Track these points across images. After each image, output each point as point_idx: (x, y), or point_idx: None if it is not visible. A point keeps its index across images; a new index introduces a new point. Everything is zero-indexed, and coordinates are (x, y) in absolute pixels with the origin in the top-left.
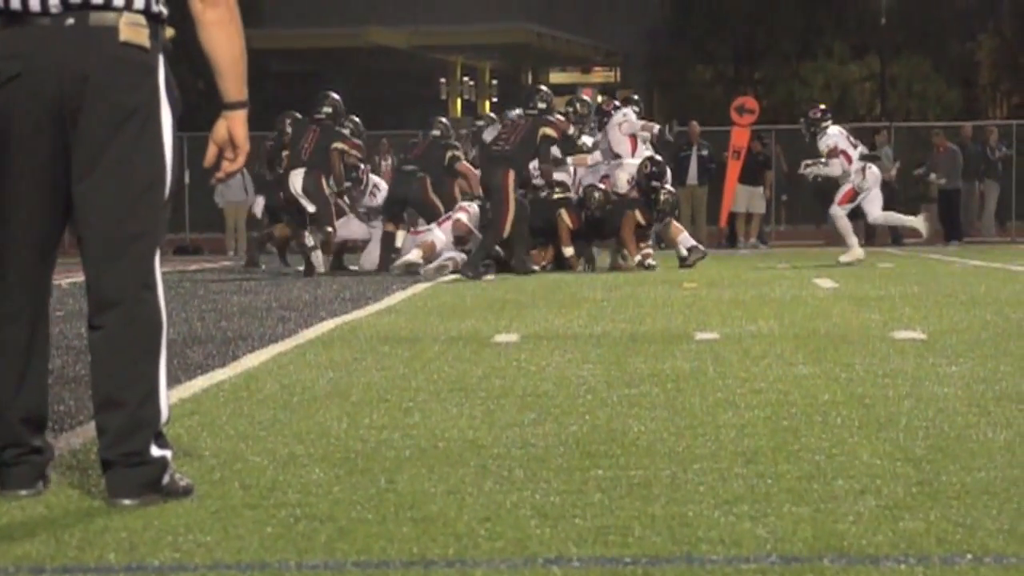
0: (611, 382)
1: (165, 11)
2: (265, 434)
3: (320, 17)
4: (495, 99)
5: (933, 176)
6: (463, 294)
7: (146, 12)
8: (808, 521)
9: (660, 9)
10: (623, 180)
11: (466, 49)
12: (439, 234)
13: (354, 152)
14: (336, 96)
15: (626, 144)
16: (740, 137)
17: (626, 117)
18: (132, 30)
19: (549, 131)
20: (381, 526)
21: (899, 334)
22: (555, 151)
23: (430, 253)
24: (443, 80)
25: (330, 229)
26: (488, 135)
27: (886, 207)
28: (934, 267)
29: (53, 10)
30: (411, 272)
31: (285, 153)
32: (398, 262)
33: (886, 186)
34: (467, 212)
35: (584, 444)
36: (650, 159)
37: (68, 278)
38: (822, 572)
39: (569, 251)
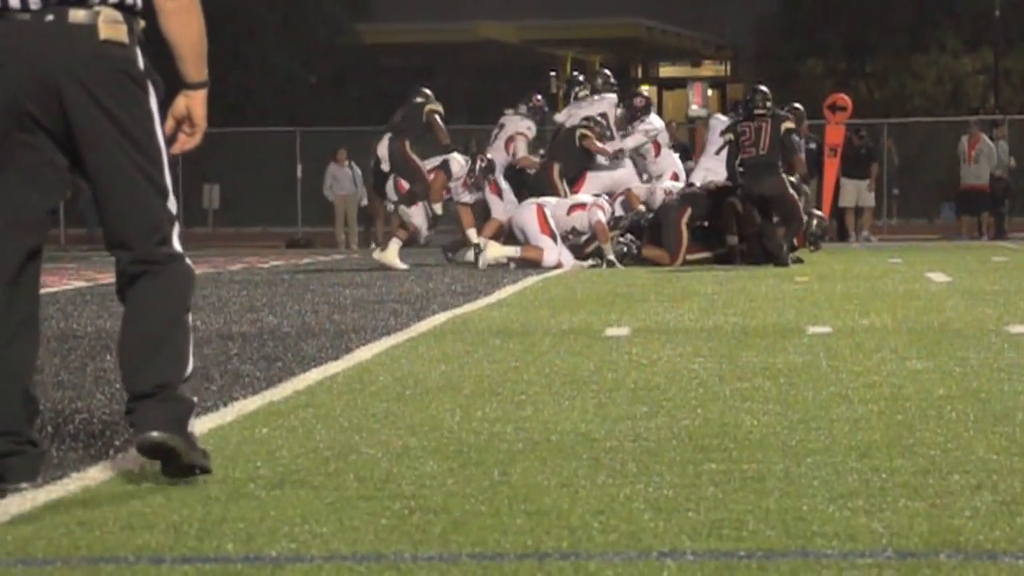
0: (723, 376)
1: (140, 2)
2: (379, 426)
3: (430, 12)
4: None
5: None
6: (573, 288)
7: (121, 5)
8: (924, 516)
9: (771, 2)
10: None
11: (576, 43)
12: (548, 242)
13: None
14: (428, 91)
15: (651, 148)
16: (834, 135)
17: (653, 127)
18: (111, 28)
19: (790, 124)
20: (495, 518)
21: (1014, 328)
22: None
23: (536, 259)
24: (553, 74)
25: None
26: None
27: (1000, 202)
28: None
29: (33, 6)
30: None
31: None
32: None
33: (1000, 181)
34: (603, 210)
35: (697, 438)
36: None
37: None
38: (938, 567)
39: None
